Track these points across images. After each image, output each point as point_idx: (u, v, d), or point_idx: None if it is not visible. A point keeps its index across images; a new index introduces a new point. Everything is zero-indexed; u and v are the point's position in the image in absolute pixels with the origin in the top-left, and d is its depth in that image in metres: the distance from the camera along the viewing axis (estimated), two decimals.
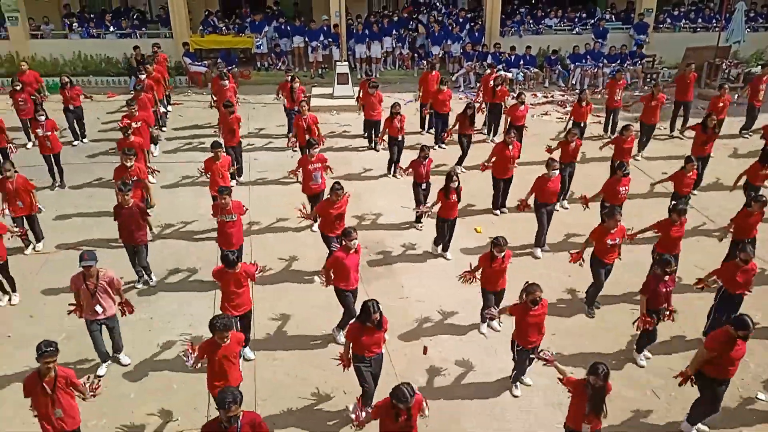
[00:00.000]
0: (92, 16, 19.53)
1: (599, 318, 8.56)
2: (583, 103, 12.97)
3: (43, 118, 11.25)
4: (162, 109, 14.52)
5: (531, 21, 20.53)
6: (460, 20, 19.87)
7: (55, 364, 5.60)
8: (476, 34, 19.37)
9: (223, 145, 10.41)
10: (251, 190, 11.95)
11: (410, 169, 10.45)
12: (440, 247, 9.84)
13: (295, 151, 12.24)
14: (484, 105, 14.46)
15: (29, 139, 12.83)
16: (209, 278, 7.53)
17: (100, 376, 7.17)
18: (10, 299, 8.57)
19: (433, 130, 14.33)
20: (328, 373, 7.41)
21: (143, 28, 19.32)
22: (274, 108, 15.61)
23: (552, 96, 17.89)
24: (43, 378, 5.58)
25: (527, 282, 6.75)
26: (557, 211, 10.92)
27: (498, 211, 11.21)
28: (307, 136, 11.19)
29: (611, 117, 14.54)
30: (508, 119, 12.83)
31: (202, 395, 6.77)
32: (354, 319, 6.58)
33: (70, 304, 7.18)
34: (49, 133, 11.31)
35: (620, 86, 14.23)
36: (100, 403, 6.86)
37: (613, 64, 18.17)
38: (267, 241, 10.23)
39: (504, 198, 11.20)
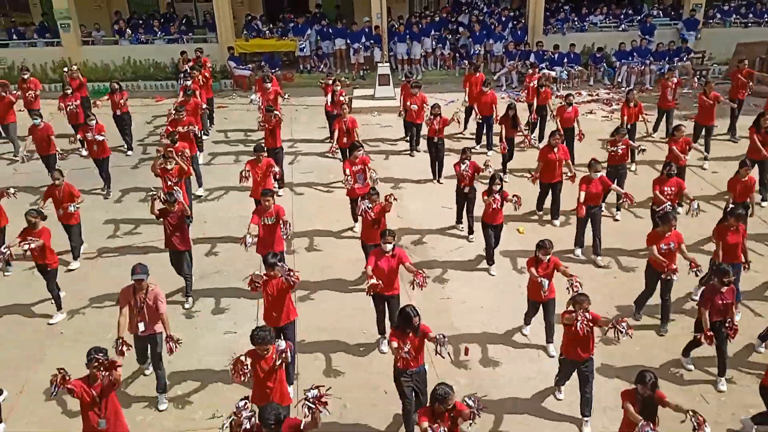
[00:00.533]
0: (141, 22, 20.07)
1: (649, 326, 8.33)
2: (631, 104, 12.61)
3: (93, 122, 11.52)
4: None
5: (575, 18, 20.19)
6: (503, 19, 19.68)
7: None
8: (519, 32, 19.16)
9: (265, 149, 10.47)
10: (293, 192, 12.08)
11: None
12: (492, 267, 9.50)
13: (336, 154, 12.26)
14: (528, 107, 14.20)
15: (82, 145, 13.18)
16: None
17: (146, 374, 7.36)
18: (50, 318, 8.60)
19: (476, 133, 14.18)
20: (368, 375, 7.44)
21: (190, 33, 19.76)
22: (316, 110, 15.74)
23: (597, 94, 17.55)
24: (92, 383, 5.61)
25: (577, 293, 6.59)
26: (615, 219, 10.78)
27: (557, 221, 10.82)
28: (346, 139, 11.25)
29: (664, 118, 13.95)
30: (557, 121, 12.54)
31: (246, 393, 6.85)
32: (393, 327, 6.41)
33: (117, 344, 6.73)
34: (98, 138, 11.50)
35: (673, 86, 13.60)
36: (148, 399, 7.07)
37: (661, 62, 17.72)
38: (307, 244, 10.32)
39: (556, 204, 10.81)
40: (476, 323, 8.39)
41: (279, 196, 10.33)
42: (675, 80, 13.75)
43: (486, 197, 9.11)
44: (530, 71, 14.84)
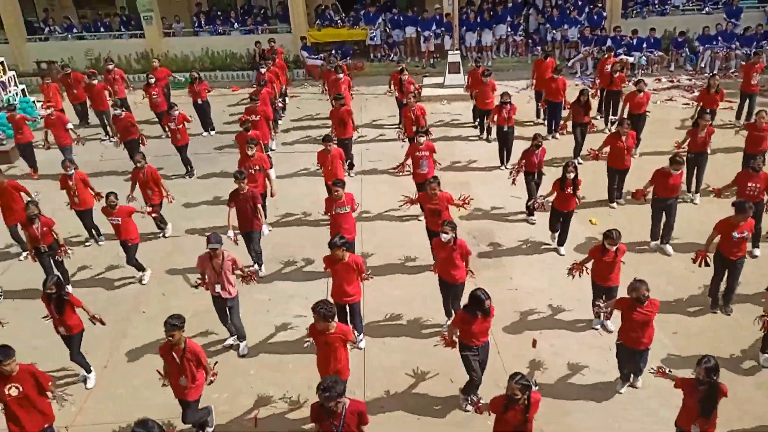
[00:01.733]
0: (219, 14, 20.72)
1: (724, 318, 8.03)
2: (712, 90, 12.06)
3: (175, 112, 12.05)
4: (279, 102, 15.10)
5: (656, 1, 19.37)
6: (579, 3, 19.12)
7: (181, 335, 6.01)
8: (596, 17, 18.57)
9: (334, 138, 10.57)
10: (363, 180, 12.24)
11: (522, 161, 10.20)
12: (556, 236, 9.58)
13: (404, 141, 12.34)
14: (597, 91, 13.86)
15: (164, 131, 13.77)
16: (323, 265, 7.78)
17: (243, 355, 7.77)
18: (140, 279, 9.35)
19: (546, 120, 13.93)
20: (434, 360, 7.50)
21: (265, 24, 20.23)
22: (386, 99, 15.82)
23: (678, 80, 16.82)
24: (173, 347, 6.04)
25: (635, 278, 6.51)
26: (693, 203, 10.48)
27: (614, 204, 10.75)
28: (415, 128, 11.28)
29: (747, 103, 13.42)
30: (626, 107, 12.20)
31: (316, 374, 7.06)
32: (462, 308, 6.52)
33: (197, 279, 7.75)
34: (180, 126, 12.09)
35: (757, 69, 13.07)
36: (222, 377, 7.38)
37: (748, 47, 16.78)
38: (377, 231, 10.45)
39: (620, 190, 10.74)
40: (544, 314, 8.29)
41: (351, 176, 10.62)
42: (759, 65, 13.18)
43: (560, 188, 8.99)
44: (605, 56, 14.40)
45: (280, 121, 14.92)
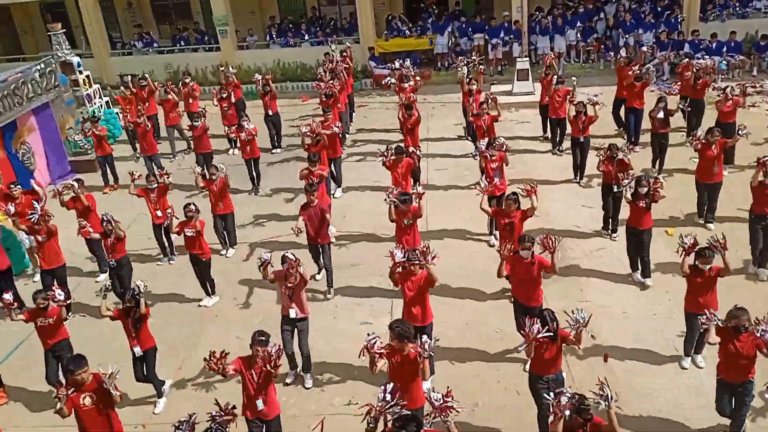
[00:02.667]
0: (291, 26, 21.23)
1: None
2: None
3: (246, 124, 12.26)
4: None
5: (737, 4, 18.51)
6: (659, 9, 18.50)
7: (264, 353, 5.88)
8: (673, 21, 17.92)
9: (404, 151, 10.49)
10: (428, 191, 12.16)
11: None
12: (637, 273, 8.91)
13: (475, 156, 12.14)
14: (681, 102, 13.28)
15: (231, 145, 14.12)
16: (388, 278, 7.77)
17: (287, 384, 7.59)
18: (201, 302, 9.38)
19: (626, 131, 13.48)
20: (501, 373, 7.40)
21: (334, 35, 20.59)
22: (452, 107, 15.78)
23: (761, 86, 15.98)
24: (252, 364, 6.01)
25: (735, 306, 6.06)
26: None
27: (710, 224, 10.01)
28: (486, 138, 11.12)
29: None
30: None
31: (380, 382, 7.06)
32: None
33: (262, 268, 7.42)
34: (251, 138, 12.23)
35: None
36: (291, 383, 7.55)
37: None
38: (442, 242, 10.36)
39: (712, 210, 10.05)
40: (617, 330, 8.03)
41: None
42: None
43: (632, 202, 8.59)
44: (684, 61, 13.84)
45: (348, 134, 15.05)
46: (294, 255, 7.25)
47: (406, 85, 13.70)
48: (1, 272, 9.35)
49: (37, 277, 9.78)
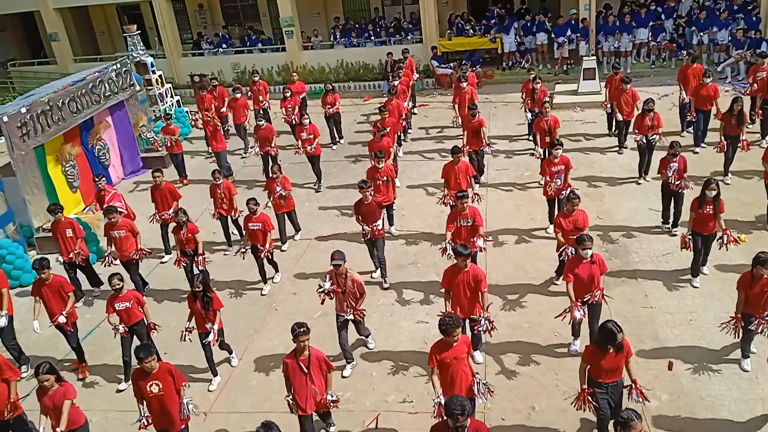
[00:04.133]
0: (355, 26, 21.46)
1: None
2: None
3: (307, 122, 12.48)
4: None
5: None
6: (735, 7, 17.68)
7: (308, 342, 6.12)
8: (753, 18, 17.09)
9: (463, 151, 10.40)
10: (488, 191, 12.08)
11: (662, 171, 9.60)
12: (697, 277, 8.66)
13: (539, 156, 11.95)
14: (751, 100, 12.68)
15: (295, 143, 14.24)
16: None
17: (345, 377, 7.65)
18: (272, 279, 9.80)
19: (692, 129, 12.97)
20: (560, 377, 7.27)
21: (397, 35, 20.67)
22: (515, 107, 15.57)
23: None
24: (299, 356, 6.17)
25: None
26: None
27: None
28: (548, 139, 10.95)
29: None
30: None
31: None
32: (592, 342, 6.18)
33: (318, 289, 7.66)
34: (311, 137, 12.41)
35: None
36: (348, 378, 7.64)
37: None
38: (501, 243, 10.27)
39: None
40: (683, 336, 7.74)
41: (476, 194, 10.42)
42: None
43: (698, 206, 8.25)
44: (760, 61, 13.18)
45: (409, 131, 15.09)
46: (341, 253, 7.37)
47: (465, 84, 13.49)
48: (82, 266, 9.88)
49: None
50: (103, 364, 8.51)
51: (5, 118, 11.00)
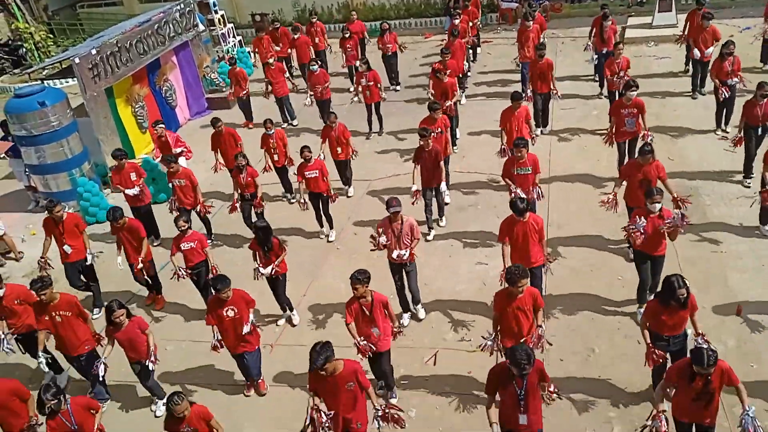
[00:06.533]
0: None
1: None
2: None
3: (366, 68, 12.12)
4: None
5: None
6: None
7: (366, 289, 6.18)
8: None
9: (522, 96, 9.90)
10: (552, 131, 11.74)
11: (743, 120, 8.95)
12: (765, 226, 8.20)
13: (600, 97, 11.46)
14: None
15: (353, 84, 13.96)
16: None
17: (403, 326, 7.55)
18: (327, 236, 9.80)
19: None
20: (622, 321, 7.22)
21: None
22: (583, 42, 14.88)
23: None
24: (361, 301, 6.27)
25: None
26: None
27: None
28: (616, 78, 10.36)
29: None
30: None
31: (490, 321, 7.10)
32: (655, 296, 6.03)
33: (370, 239, 7.56)
34: (371, 84, 12.06)
35: None
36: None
37: None
38: (564, 190, 9.99)
39: None
40: (753, 282, 7.50)
41: (536, 136, 10.02)
42: None
43: None
44: None
45: (469, 74, 14.54)
46: (398, 200, 7.27)
47: (530, 23, 12.66)
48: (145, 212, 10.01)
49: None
50: (174, 301, 8.95)
51: (77, 60, 11.35)
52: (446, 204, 9.80)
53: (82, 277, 8.82)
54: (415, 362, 7.22)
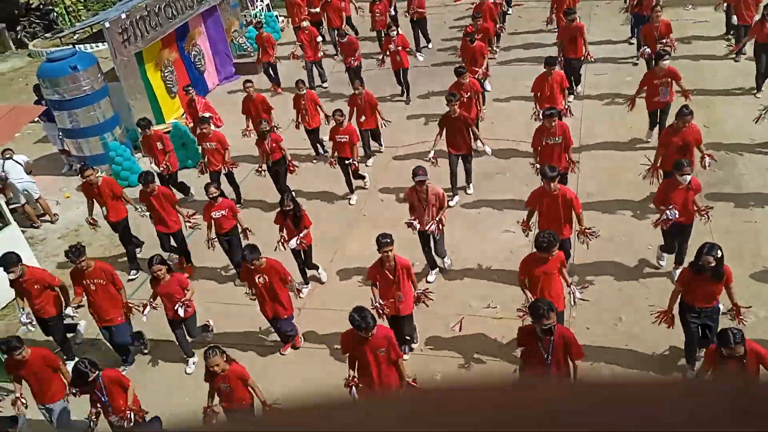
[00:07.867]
0: None
1: None
2: None
3: (394, 33, 11.94)
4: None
5: None
6: None
7: (392, 252, 6.29)
8: None
9: (556, 61, 9.74)
10: (584, 99, 11.48)
11: None
12: None
13: (636, 63, 11.11)
14: None
15: (380, 47, 13.74)
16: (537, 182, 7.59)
17: (429, 282, 7.79)
18: (350, 200, 9.84)
19: None
20: (650, 291, 7.17)
21: None
22: (619, 5, 14.46)
23: None
24: (384, 265, 6.40)
25: None
26: None
27: None
28: (659, 47, 10.03)
29: None
30: None
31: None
32: (689, 265, 5.94)
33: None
34: (399, 48, 11.87)
35: None
36: (432, 284, 7.83)
37: None
38: (594, 156, 9.82)
39: None
40: None
41: (568, 106, 9.86)
42: None
43: None
44: None
45: (501, 34, 14.29)
46: (424, 169, 7.29)
47: None
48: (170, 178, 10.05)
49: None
50: (204, 266, 9.08)
51: (107, 24, 11.40)
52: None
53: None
54: (441, 329, 7.26)
